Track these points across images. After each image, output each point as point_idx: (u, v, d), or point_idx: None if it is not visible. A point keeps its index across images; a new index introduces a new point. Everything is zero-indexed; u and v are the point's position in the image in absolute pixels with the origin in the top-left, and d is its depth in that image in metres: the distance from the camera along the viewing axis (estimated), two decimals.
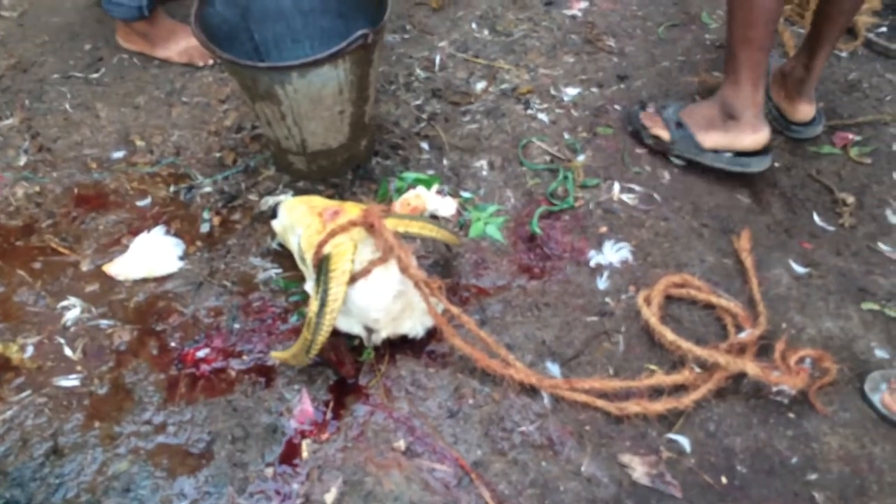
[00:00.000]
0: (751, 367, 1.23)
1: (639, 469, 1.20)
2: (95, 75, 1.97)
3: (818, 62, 1.63)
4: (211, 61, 1.99)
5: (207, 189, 1.65)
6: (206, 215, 1.59)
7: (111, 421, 1.26)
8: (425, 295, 1.23)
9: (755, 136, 1.57)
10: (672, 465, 1.21)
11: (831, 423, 1.26)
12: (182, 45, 1.98)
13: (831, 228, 1.57)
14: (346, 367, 1.32)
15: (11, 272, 1.49)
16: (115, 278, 1.47)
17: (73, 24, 2.15)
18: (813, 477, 1.19)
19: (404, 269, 1.21)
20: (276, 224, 1.44)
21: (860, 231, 1.57)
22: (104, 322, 1.40)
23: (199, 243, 1.54)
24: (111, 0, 1.86)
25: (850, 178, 1.68)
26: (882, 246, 1.54)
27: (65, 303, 1.43)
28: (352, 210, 1.28)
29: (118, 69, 1.99)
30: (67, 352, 1.36)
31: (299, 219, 1.35)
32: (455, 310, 1.26)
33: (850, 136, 1.76)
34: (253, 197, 1.63)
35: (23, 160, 1.73)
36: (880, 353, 1.35)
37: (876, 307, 1.42)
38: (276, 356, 1.30)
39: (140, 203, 1.63)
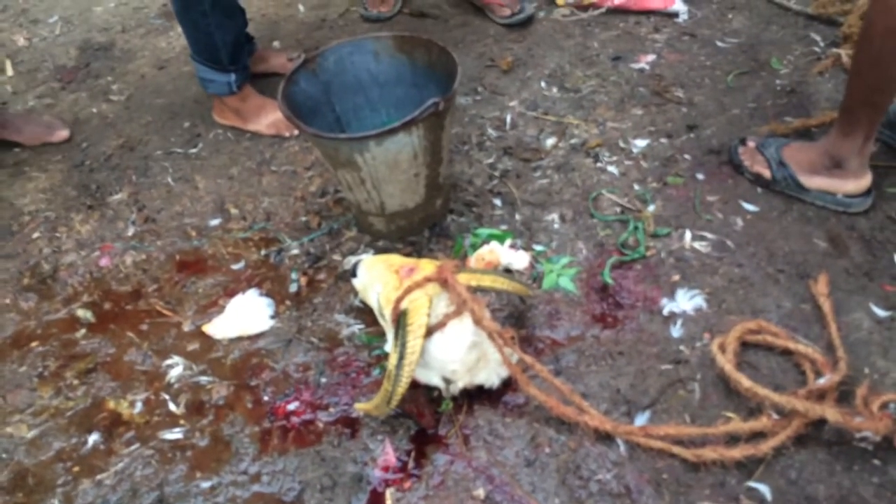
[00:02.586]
0: (831, 413, 1.21)
1: None
2: (194, 150, 2.15)
3: None
4: (296, 132, 2.13)
5: (295, 251, 1.77)
6: (294, 276, 1.70)
7: (211, 471, 1.35)
8: (499, 345, 1.28)
9: (858, 182, 1.62)
10: None
11: None
12: (270, 118, 2.14)
13: None
14: (425, 417, 1.38)
15: (122, 334, 1.63)
16: (213, 337, 1.59)
17: (174, 104, 2.35)
18: None
19: (478, 321, 1.27)
20: (356, 282, 1.53)
21: None
22: (204, 378, 1.51)
23: (288, 302, 1.65)
24: (205, 77, 2.05)
25: None
26: None
27: (169, 361, 1.55)
28: (426, 267, 1.36)
29: (214, 144, 2.16)
30: (172, 407, 1.47)
31: (378, 277, 1.43)
32: (529, 359, 1.30)
33: None
34: (336, 257, 1.74)
35: (131, 231, 1.90)
36: None
37: None
38: (360, 407, 1.37)
39: (235, 266, 1.75)
